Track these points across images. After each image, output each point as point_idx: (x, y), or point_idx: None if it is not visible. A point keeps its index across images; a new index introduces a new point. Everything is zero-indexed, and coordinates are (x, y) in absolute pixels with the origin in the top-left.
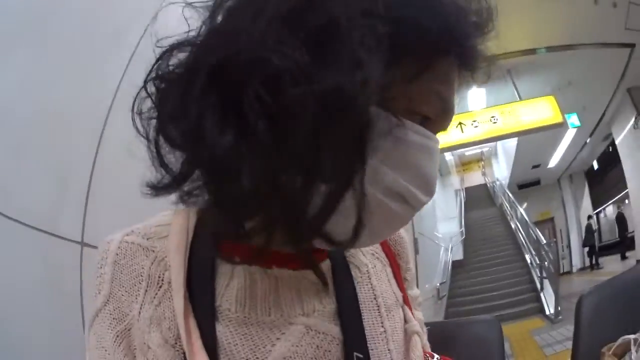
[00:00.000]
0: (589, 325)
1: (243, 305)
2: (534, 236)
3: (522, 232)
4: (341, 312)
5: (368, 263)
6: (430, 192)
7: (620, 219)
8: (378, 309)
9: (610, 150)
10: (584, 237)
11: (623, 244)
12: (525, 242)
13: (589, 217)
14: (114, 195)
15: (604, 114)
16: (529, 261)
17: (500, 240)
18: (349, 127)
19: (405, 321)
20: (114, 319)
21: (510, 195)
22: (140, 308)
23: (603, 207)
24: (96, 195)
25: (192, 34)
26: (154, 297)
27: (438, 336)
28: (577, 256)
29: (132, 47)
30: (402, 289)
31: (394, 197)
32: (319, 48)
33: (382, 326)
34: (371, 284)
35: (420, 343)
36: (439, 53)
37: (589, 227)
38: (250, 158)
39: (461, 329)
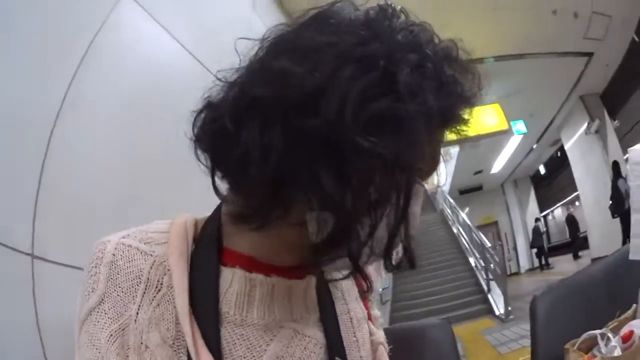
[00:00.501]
0: (545, 324)
1: (241, 308)
2: (477, 240)
3: (465, 236)
4: (324, 320)
5: (342, 282)
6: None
7: (571, 220)
8: (351, 321)
9: (559, 155)
10: (531, 238)
11: (575, 244)
12: (469, 246)
13: (537, 219)
14: (63, 205)
15: (552, 121)
16: (473, 264)
17: (443, 245)
18: (405, 186)
19: (371, 334)
20: (108, 317)
21: (451, 200)
22: (138, 309)
23: (551, 209)
24: (45, 203)
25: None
26: (153, 299)
27: (389, 342)
28: (525, 258)
29: (81, 54)
30: (366, 306)
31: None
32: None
33: (355, 336)
34: (344, 299)
35: (386, 353)
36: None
37: (536, 229)
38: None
39: (411, 334)
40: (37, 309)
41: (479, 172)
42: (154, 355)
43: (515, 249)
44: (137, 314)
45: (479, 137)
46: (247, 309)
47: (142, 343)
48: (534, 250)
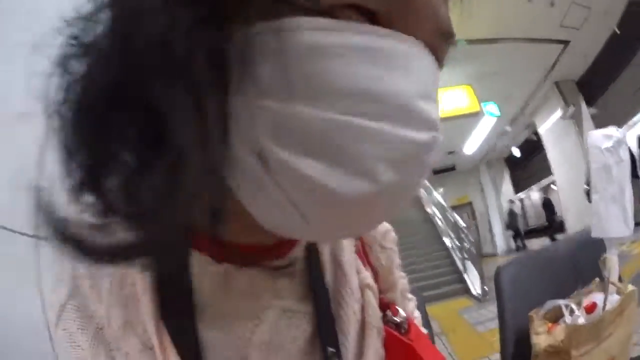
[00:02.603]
0: (511, 294)
1: (219, 299)
2: (452, 220)
3: (440, 216)
4: (313, 283)
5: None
6: (418, 123)
7: (547, 204)
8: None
9: (534, 138)
10: (507, 221)
11: (552, 227)
12: (444, 226)
13: (511, 201)
14: None
15: (526, 105)
16: (448, 244)
17: (418, 225)
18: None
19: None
20: (85, 315)
21: (425, 180)
22: (108, 307)
23: (525, 191)
24: None
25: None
26: (120, 296)
27: None
28: (501, 239)
29: None
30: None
31: (321, 154)
32: None
33: (345, 298)
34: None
35: (374, 297)
36: None
37: (511, 212)
38: None
39: None
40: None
41: (452, 152)
42: None
43: (490, 230)
44: (109, 318)
45: (449, 118)
46: (225, 298)
47: (120, 348)
48: (511, 232)
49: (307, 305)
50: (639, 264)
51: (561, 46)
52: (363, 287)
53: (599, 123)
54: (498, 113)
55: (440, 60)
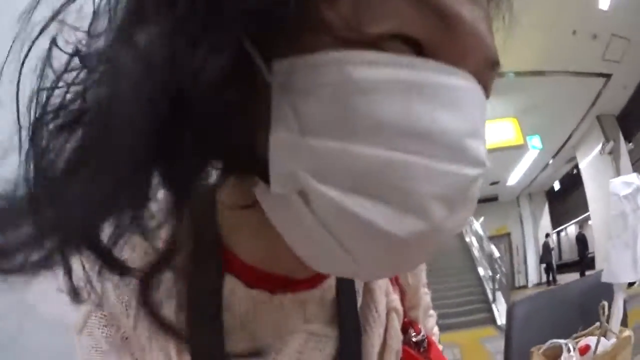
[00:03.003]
0: (520, 329)
1: (247, 321)
2: (488, 250)
3: (477, 246)
4: (340, 309)
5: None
6: (467, 159)
7: (581, 239)
8: (375, 311)
9: (574, 172)
10: (541, 253)
11: (583, 263)
12: (479, 255)
13: (547, 235)
14: None
15: (569, 138)
16: (481, 274)
17: (454, 252)
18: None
19: (388, 302)
20: (111, 325)
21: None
22: (135, 324)
23: (563, 227)
24: None
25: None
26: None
27: None
28: (534, 271)
29: None
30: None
31: (369, 191)
32: None
33: (373, 321)
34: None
35: (398, 320)
36: None
37: (546, 245)
38: None
39: None
40: None
41: (496, 182)
42: None
43: (525, 262)
44: (135, 328)
45: (493, 150)
46: (254, 322)
47: (144, 359)
48: (543, 266)
49: (333, 329)
50: None
51: (603, 80)
52: (389, 310)
53: (635, 158)
54: (541, 146)
55: (487, 90)
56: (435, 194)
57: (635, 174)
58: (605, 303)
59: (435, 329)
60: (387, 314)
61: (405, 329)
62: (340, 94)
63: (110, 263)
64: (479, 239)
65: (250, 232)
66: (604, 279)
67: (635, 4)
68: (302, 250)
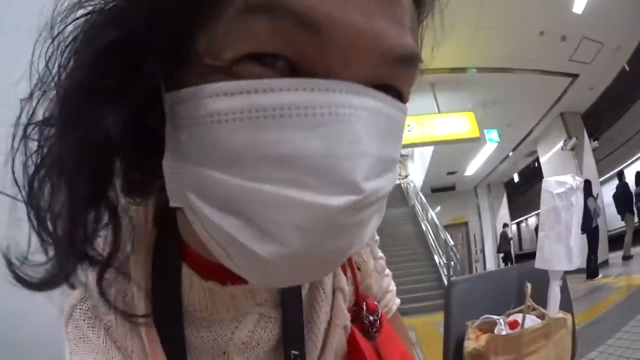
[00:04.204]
0: (458, 306)
1: (205, 307)
2: (444, 238)
3: (432, 234)
4: (283, 296)
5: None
6: (333, 186)
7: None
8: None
9: (536, 166)
10: (498, 243)
11: None
12: (435, 243)
13: (505, 225)
14: None
15: (530, 133)
16: (437, 261)
17: (410, 240)
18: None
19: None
20: (95, 317)
21: (423, 197)
22: (115, 315)
23: (523, 218)
24: None
25: None
26: (123, 305)
27: None
28: (491, 260)
29: None
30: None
31: (236, 212)
32: None
33: (321, 297)
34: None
35: (344, 300)
36: None
37: (504, 235)
38: None
39: None
40: None
41: (453, 172)
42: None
43: (482, 251)
44: (116, 319)
45: (448, 142)
46: (210, 308)
47: (127, 347)
48: (501, 255)
49: (280, 311)
50: (620, 296)
51: (569, 79)
52: (335, 289)
53: (599, 156)
54: (498, 140)
55: (404, 90)
56: (291, 222)
57: (569, 175)
58: (529, 284)
59: (392, 286)
60: (333, 293)
61: (358, 306)
62: (200, 126)
63: (83, 256)
64: (434, 227)
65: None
66: (537, 265)
67: (609, 9)
68: (212, 251)
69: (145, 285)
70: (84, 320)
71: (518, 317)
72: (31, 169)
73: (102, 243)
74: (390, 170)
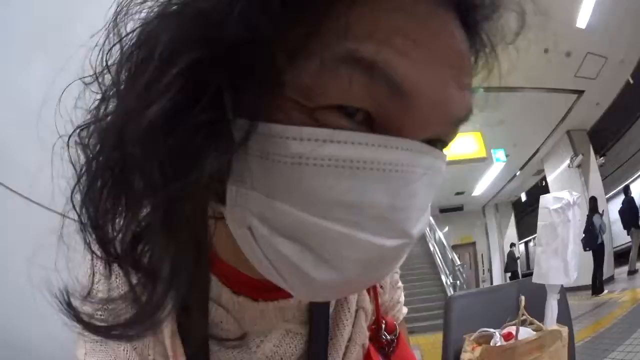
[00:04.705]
0: (457, 320)
1: (232, 322)
2: (451, 258)
3: (439, 254)
4: (312, 314)
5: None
6: (389, 231)
7: None
8: (348, 309)
9: (543, 184)
10: (505, 263)
11: None
12: (442, 263)
13: (512, 244)
14: None
15: (537, 152)
16: (444, 281)
17: (418, 260)
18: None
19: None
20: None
21: (431, 218)
22: None
23: (531, 237)
24: None
25: None
26: None
27: None
28: (498, 280)
29: None
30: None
31: (297, 239)
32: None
33: (345, 317)
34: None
35: (365, 319)
36: None
37: (511, 254)
38: None
39: None
40: None
41: (461, 193)
42: None
43: (490, 270)
44: None
45: (456, 162)
46: (238, 323)
47: (149, 355)
48: (508, 275)
49: (306, 328)
50: (623, 311)
51: (575, 96)
52: (358, 308)
53: (606, 173)
54: (505, 159)
55: (447, 143)
56: (351, 257)
57: (566, 191)
58: (523, 297)
59: (402, 297)
60: (356, 312)
61: (378, 325)
62: (279, 163)
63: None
64: (442, 247)
65: (226, 235)
66: (535, 280)
67: (612, 23)
68: (258, 268)
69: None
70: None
71: (513, 329)
72: (94, 184)
73: None
74: (428, 210)
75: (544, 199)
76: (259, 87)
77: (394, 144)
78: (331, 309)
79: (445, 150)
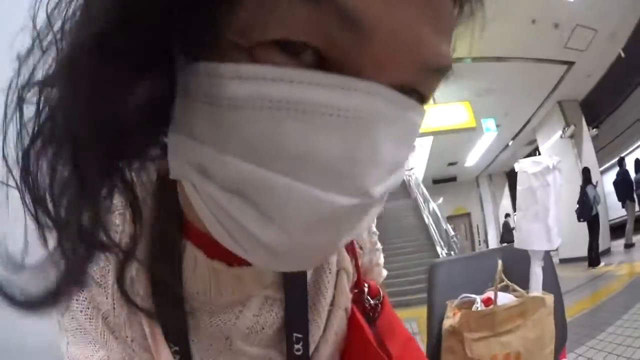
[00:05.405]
0: (440, 286)
1: (208, 290)
2: (445, 229)
3: (434, 225)
4: (286, 277)
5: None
6: (342, 187)
7: None
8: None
9: (536, 154)
10: (501, 233)
11: None
12: (437, 235)
13: (507, 215)
14: None
15: (528, 122)
16: (439, 252)
17: (413, 231)
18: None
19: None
20: (92, 307)
21: (424, 189)
22: (114, 304)
23: None
24: None
25: None
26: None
27: None
28: None
29: None
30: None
31: (239, 193)
32: None
33: (326, 282)
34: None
35: (348, 280)
36: None
37: (506, 224)
38: None
39: None
40: None
41: (454, 163)
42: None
43: (486, 241)
44: (114, 308)
45: (444, 132)
46: (214, 290)
47: (127, 336)
48: (504, 245)
49: (283, 292)
50: (621, 284)
51: (565, 67)
52: (339, 269)
53: (600, 144)
54: (495, 129)
55: (426, 96)
56: (298, 214)
57: (546, 156)
58: (500, 261)
59: (381, 259)
60: (337, 273)
61: (359, 289)
62: (214, 107)
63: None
64: (436, 218)
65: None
66: (517, 245)
67: None
68: (212, 231)
69: (145, 266)
70: (81, 311)
71: (491, 294)
72: (26, 140)
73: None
74: (398, 171)
75: (522, 163)
76: (194, 28)
77: (349, 85)
78: (309, 272)
79: (423, 103)
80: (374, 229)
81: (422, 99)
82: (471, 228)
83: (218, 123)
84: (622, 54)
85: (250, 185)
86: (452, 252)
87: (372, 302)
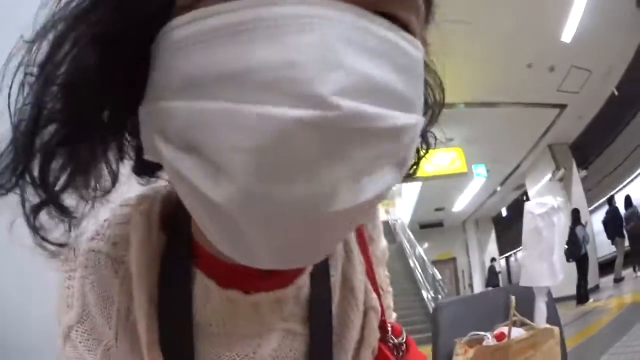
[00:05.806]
0: (446, 327)
1: (223, 321)
2: (431, 273)
3: (420, 269)
4: (311, 308)
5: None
6: (292, 98)
7: None
8: (354, 300)
9: (524, 199)
10: (487, 277)
11: None
12: (423, 279)
13: (492, 259)
14: None
15: (518, 166)
16: (425, 296)
17: (398, 276)
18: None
19: (365, 301)
20: (93, 339)
21: (411, 234)
22: (116, 336)
23: (512, 252)
24: None
25: None
26: (125, 329)
27: None
28: None
29: None
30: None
31: (189, 147)
32: None
33: (352, 315)
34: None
35: (376, 319)
36: None
37: (491, 269)
38: None
39: None
40: None
41: (441, 208)
42: None
43: (471, 285)
44: (116, 340)
45: (436, 177)
46: (230, 322)
47: None
48: (489, 289)
49: (307, 327)
50: (610, 317)
51: (557, 110)
52: (368, 308)
53: (589, 185)
54: (486, 175)
55: (407, 22)
56: (236, 143)
57: (550, 196)
58: (513, 297)
59: (391, 302)
60: (366, 312)
61: (384, 328)
62: (166, 58)
63: (56, 205)
64: (422, 262)
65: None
66: (522, 283)
67: (597, 36)
68: (202, 229)
69: (150, 300)
70: (80, 342)
71: (504, 329)
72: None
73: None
74: (400, 109)
75: (529, 205)
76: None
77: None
78: (335, 306)
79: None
80: (387, 272)
81: (402, 24)
82: (456, 273)
83: (166, 73)
84: (616, 92)
85: (197, 127)
86: (440, 296)
87: (395, 341)
